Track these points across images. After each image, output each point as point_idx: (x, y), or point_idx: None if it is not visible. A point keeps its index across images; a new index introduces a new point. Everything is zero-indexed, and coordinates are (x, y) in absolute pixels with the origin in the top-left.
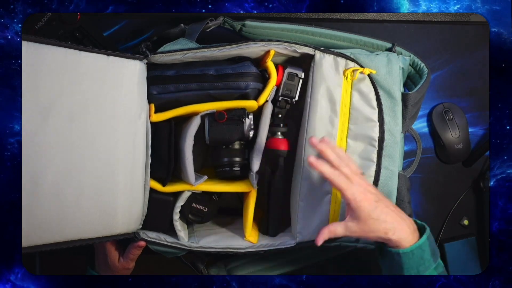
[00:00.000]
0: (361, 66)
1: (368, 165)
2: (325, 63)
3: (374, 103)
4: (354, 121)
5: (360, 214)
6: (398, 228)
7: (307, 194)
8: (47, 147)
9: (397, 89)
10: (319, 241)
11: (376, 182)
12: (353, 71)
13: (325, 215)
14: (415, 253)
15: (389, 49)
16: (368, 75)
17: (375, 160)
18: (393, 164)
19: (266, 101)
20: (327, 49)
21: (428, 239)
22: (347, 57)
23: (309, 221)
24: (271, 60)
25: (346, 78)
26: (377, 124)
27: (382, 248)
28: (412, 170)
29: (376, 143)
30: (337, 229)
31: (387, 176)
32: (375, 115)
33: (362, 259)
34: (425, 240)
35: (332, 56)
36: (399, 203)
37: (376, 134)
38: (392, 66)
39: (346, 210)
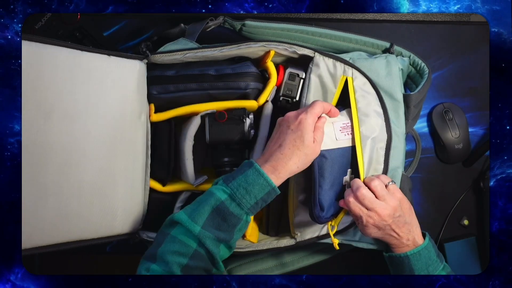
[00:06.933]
0: (360, 72)
1: (375, 167)
2: (324, 67)
3: (378, 106)
4: (361, 123)
5: (364, 234)
6: (392, 242)
7: (305, 194)
8: (47, 147)
9: (398, 91)
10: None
11: None
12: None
13: None
14: (422, 254)
15: (387, 49)
16: (368, 78)
17: (382, 162)
18: (397, 165)
19: (267, 101)
20: (327, 52)
21: (431, 241)
22: (346, 62)
23: (308, 220)
24: (271, 60)
25: (345, 82)
26: (384, 126)
27: (391, 256)
28: (412, 170)
29: (384, 145)
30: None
31: (392, 177)
32: (380, 118)
33: (362, 259)
34: (428, 242)
35: (331, 60)
36: None
37: (383, 136)
38: (391, 68)
39: None
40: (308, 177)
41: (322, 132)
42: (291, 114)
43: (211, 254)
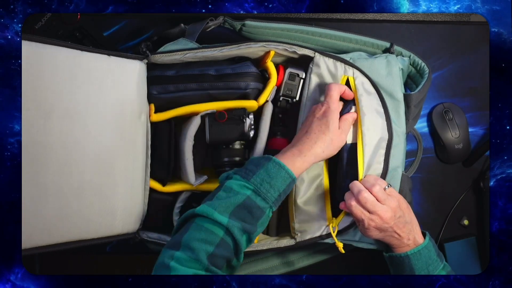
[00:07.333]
0: (361, 71)
1: (375, 167)
2: (324, 67)
3: (379, 106)
4: (362, 123)
5: (365, 235)
6: (393, 242)
7: (305, 194)
8: (47, 147)
9: (399, 90)
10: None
11: None
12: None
13: (322, 213)
14: (422, 253)
15: (387, 49)
16: (369, 78)
17: (382, 161)
18: (398, 164)
19: (267, 101)
20: (327, 52)
21: (431, 241)
22: (347, 62)
23: (308, 220)
24: (271, 61)
25: (346, 81)
26: (385, 125)
27: (392, 256)
28: (414, 170)
29: (385, 144)
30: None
31: (391, 177)
32: (381, 117)
33: (362, 259)
34: (428, 242)
35: (331, 60)
36: None
37: (384, 136)
38: (391, 68)
39: None
40: (314, 173)
41: (348, 124)
42: (316, 105)
43: (237, 243)
